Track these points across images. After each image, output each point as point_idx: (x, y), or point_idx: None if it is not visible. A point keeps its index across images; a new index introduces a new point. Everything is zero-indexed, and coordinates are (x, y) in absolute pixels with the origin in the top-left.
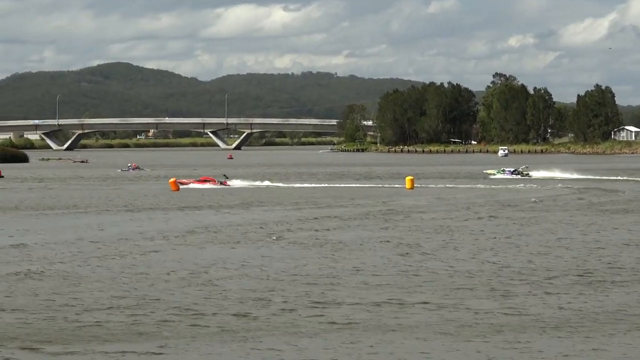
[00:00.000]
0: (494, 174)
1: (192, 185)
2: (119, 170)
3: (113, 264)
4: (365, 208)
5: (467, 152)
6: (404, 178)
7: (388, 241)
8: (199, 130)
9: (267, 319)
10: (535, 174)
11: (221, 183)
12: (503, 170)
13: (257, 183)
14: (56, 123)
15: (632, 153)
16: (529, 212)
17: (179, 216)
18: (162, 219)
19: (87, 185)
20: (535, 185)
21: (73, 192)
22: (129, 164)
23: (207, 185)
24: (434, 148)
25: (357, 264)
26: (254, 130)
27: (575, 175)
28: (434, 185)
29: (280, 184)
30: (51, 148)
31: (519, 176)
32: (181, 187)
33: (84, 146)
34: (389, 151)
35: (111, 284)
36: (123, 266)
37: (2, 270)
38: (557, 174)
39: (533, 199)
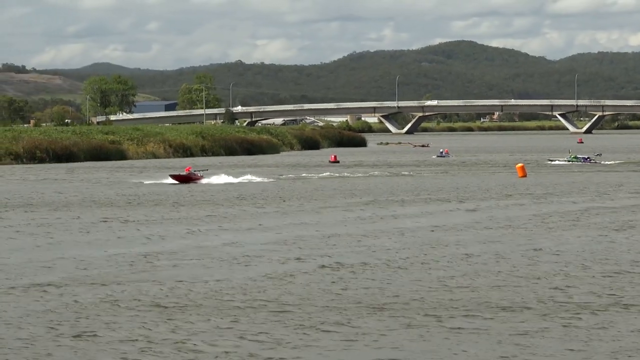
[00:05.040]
0: (558, 161)
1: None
2: (434, 157)
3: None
4: None
5: None
6: None
7: None
8: (547, 113)
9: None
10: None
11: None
12: (576, 157)
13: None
14: (395, 105)
15: None
16: None
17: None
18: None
19: (417, 171)
20: None
21: (399, 179)
22: (441, 150)
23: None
24: None
25: None
26: (606, 113)
27: None
28: None
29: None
30: (390, 131)
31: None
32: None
33: (425, 130)
34: None
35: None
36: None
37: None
38: None
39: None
